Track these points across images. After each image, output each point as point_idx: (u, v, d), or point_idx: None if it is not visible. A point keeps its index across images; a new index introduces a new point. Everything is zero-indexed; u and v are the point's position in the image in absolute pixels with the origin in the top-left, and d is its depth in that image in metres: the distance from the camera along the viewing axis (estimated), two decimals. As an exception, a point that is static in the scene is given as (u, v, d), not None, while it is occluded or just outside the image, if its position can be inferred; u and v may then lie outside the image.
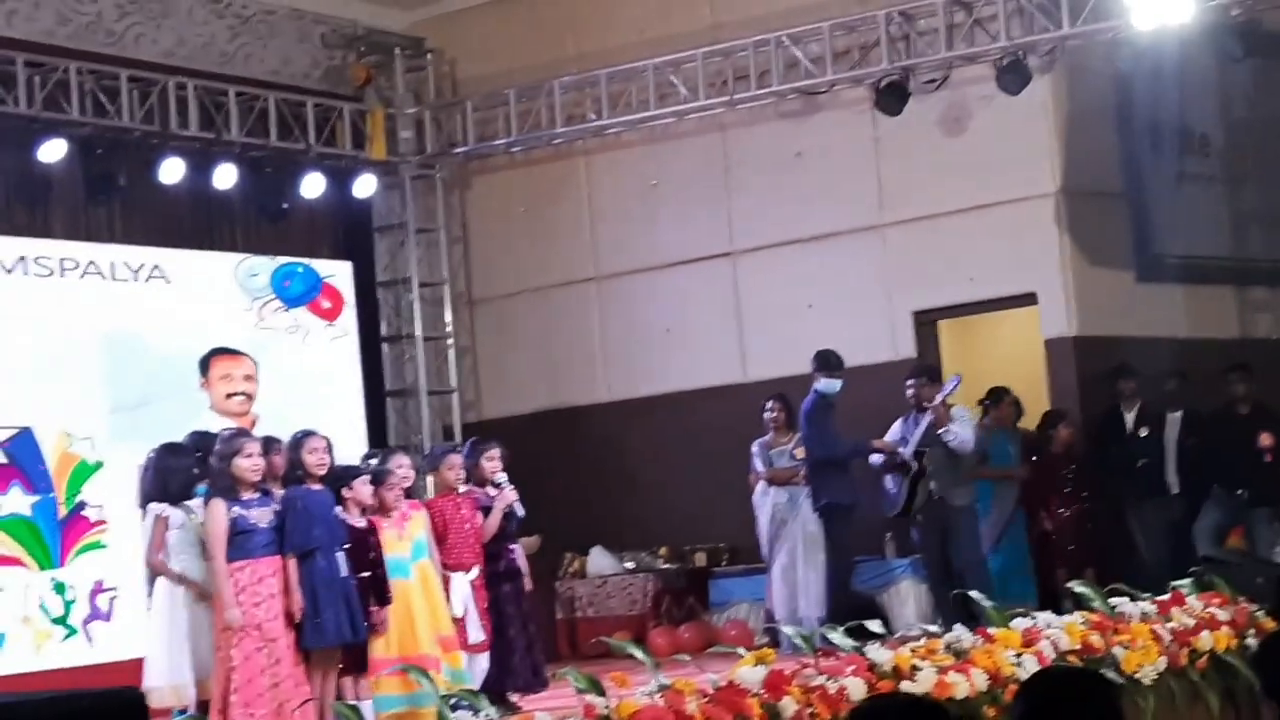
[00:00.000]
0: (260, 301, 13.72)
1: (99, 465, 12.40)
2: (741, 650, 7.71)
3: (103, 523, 12.34)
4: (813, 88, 13.74)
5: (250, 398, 13.31)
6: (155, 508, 8.84)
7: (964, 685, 7.55)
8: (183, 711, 8.47)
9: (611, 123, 14.43)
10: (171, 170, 13.15)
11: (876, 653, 7.66)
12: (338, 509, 8.99)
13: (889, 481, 12.10)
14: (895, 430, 12.15)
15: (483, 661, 9.54)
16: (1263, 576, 10.31)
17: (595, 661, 10.98)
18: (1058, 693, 3.35)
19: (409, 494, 9.69)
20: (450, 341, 15.56)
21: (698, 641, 12.88)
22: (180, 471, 9.04)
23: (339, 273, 14.39)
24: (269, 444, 9.04)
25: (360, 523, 9.08)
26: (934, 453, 11.88)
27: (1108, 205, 13.50)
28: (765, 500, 12.41)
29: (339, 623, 8.68)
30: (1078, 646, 8.37)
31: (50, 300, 12.40)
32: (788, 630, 8.98)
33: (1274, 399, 12.76)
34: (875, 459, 12.12)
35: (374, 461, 9.69)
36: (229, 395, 13.22)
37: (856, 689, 7.18)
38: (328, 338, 14.14)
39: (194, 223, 13.79)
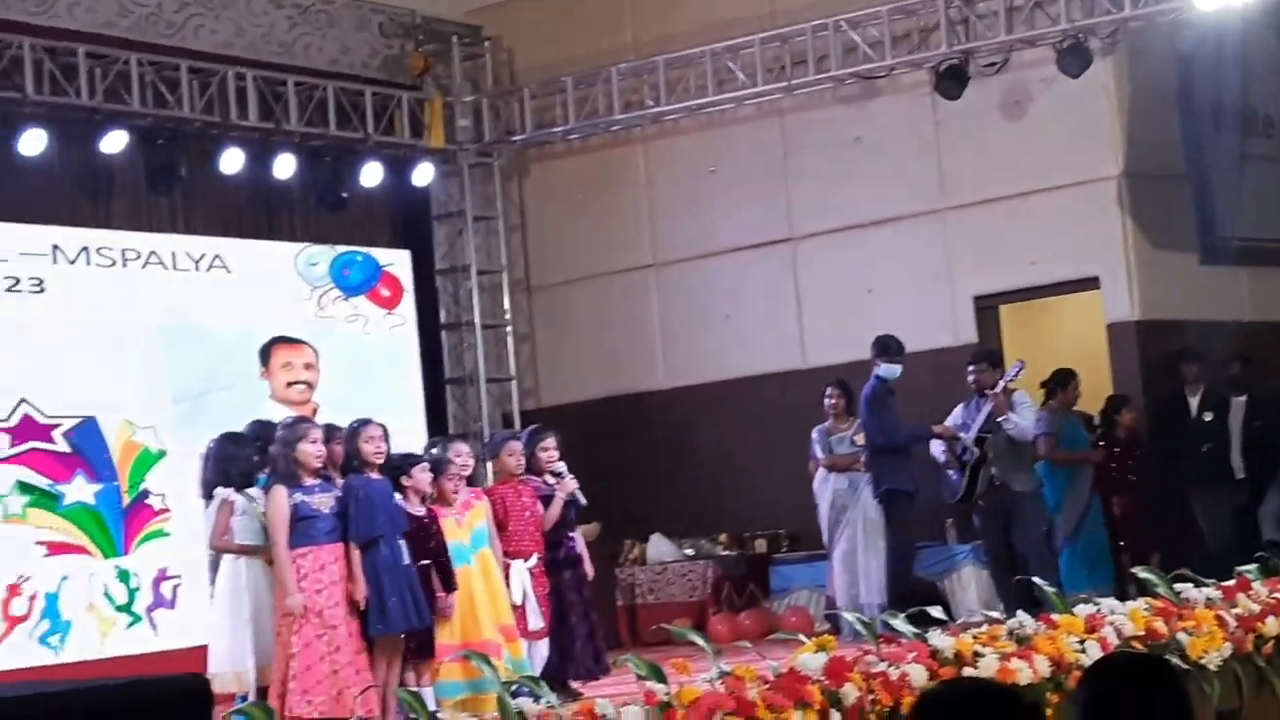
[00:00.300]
0: (320, 290, 13.77)
1: (162, 454, 12.48)
2: (802, 637, 7.69)
3: (166, 511, 12.42)
4: (872, 72, 13.68)
5: (311, 386, 13.36)
6: (221, 492, 8.88)
7: (1027, 672, 7.48)
8: (244, 697, 8.50)
9: (669, 109, 14.41)
10: (231, 160, 13.22)
11: (938, 639, 7.61)
12: (398, 497, 9.01)
13: (950, 467, 12.04)
14: (956, 415, 12.09)
15: (542, 649, 9.55)
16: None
17: (655, 648, 10.98)
18: (1123, 678, 3.31)
19: (470, 482, 9.70)
20: (509, 329, 15.58)
21: (758, 628, 12.86)
22: (241, 460, 9.08)
23: (398, 261, 14.43)
24: (329, 432, 9.07)
25: (420, 511, 9.10)
26: (995, 438, 11.82)
27: (1170, 188, 13.37)
28: (825, 487, 12.36)
29: (403, 610, 8.71)
30: (1142, 633, 8.29)
31: (112, 290, 12.49)
32: (849, 617, 8.93)
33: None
34: (936, 445, 12.07)
35: (435, 450, 9.70)
36: (289, 384, 13.28)
37: (918, 676, 7.14)
38: (387, 326, 14.18)
39: (254, 212, 13.86)
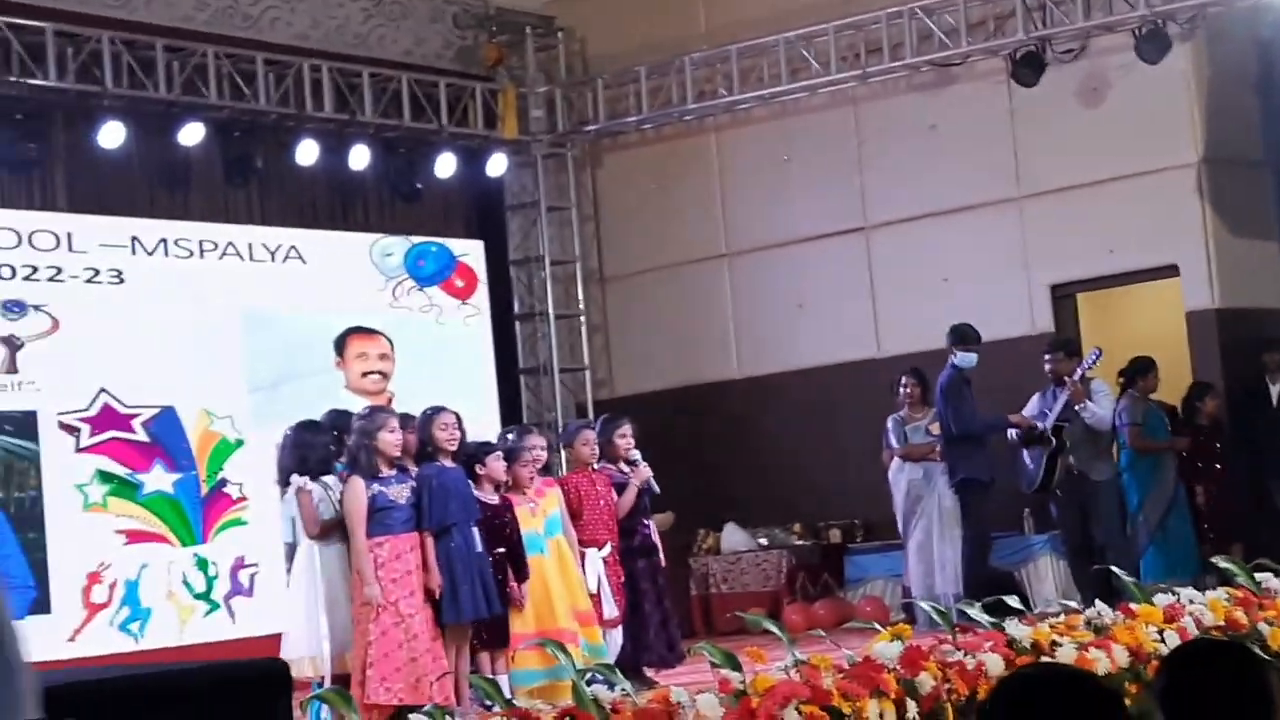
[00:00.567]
0: (394, 281, 13.83)
1: (239, 443, 12.58)
2: (877, 626, 7.66)
3: (243, 500, 12.52)
4: (947, 59, 13.60)
5: (385, 376, 13.43)
6: (297, 480, 8.92)
7: (1105, 662, 7.44)
8: (320, 683, 8.56)
9: (743, 98, 14.39)
10: (307, 152, 13.30)
11: (1015, 628, 7.57)
12: (472, 485, 9.04)
13: (1027, 456, 11.97)
14: (1033, 405, 12.02)
15: (617, 636, 9.56)
16: None
17: (730, 638, 10.97)
18: (1202, 666, 3.28)
19: (545, 471, 9.73)
20: (582, 319, 15.60)
21: (833, 618, 12.83)
22: (317, 448, 9.11)
23: (472, 251, 14.47)
24: (403, 421, 9.11)
25: (494, 499, 9.12)
26: (1073, 427, 11.74)
27: (1250, 174, 13.23)
28: (900, 476, 12.30)
29: (475, 598, 8.73)
30: (1221, 622, 8.22)
31: (190, 281, 12.59)
32: (924, 606, 8.90)
33: None
34: (1013, 434, 12.00)
35: (509, 438, 9.73)
36: (364, 374, 13.35)
37: (994, 665, 7.10)
38: (461, 316, 14.23)
39: (329, 203, 13.94)
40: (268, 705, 6.37)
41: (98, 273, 12.14)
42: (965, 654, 7.16)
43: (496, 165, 14.68)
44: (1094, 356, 11.86)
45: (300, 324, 13.14)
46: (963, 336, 11.99)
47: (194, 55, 12.66)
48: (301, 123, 13.36)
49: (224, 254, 12.83)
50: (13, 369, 11.66)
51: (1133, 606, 8.22)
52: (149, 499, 12.11)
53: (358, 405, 10.44)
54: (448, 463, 8.94)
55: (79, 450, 11.87)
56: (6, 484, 11.56)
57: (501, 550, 9.02)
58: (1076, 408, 11.71)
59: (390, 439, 8.70)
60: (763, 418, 14.59)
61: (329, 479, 9.00)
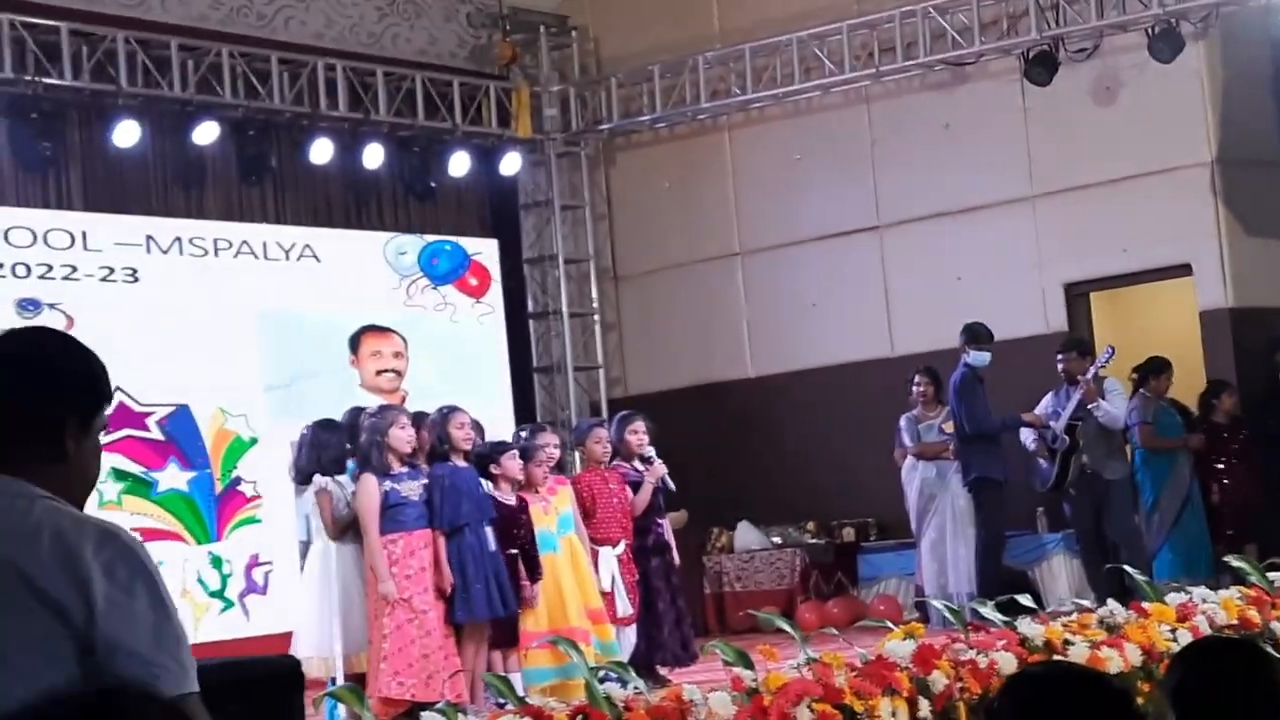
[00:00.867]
0: (408, 279, 13.86)
1: (254, 441, 12.60)
2: (890, 625, 7.67)
3: (258, 498, 12.55)
4: (960, 59, 13.60)
5: (400, 374, 13.44)
6: (320, 481, 8.93)
7: (1117, 660, 7.44)
8: (332, 682, 8.58)
9: (756, 97, 14.39)
10: (321, 150, 13.33)
11: (1028, 627, 7.58)
12: (488, 485, 9.06)
13: (1040, 456, 11.96)
14: (1046, 404, 12.01)
15: (631, 635, 9.57)
16: None
17: (743, 636, 10.99)
18: (1214, 664, 3.28)
19: (557, 470, 9.75)
20: (596, 317, 15.61)
21: (846, 617, 12.84)
22: (333, 446, 9.14)
23: (486, 250, 14.49)
24: (417, 420, 9.13)
25: (510, 499, 9.14)
26: (1086, 426, 11.73)
27: (1264, 174, 13.21)
28: (914, 475, 12.30)
29: (488, 597, 8.76)
30: (1234, 621, 8.22)
31: (205, 280, 12.61)
32: (937, 604, 8.90)
33: None
34: (1026, 433, 11.99)
35: (523, 436, 9.75)
36: (379, 372, 13.36)
37: (1007, 664, 7.11)
38: (475, 315, 14.25)
39: (343, 202, 13.97)
40: (281, 702, 6.40)
41: (112, 271, 12.17)
42: (978, 653, 7.17)
43: (510, 164, 14.70)
44: (1107, 355, 11.85)
45: (315, 322, 13.17)
46: (976, 335, 11.99)
47: (209, 54, 12.69)
48: (316, 121, 13.39)
49: (238, 253, 12.86)
50: (28, 367, 11.67)
51: (1145, 605, 8.22)
52: (163, 497, 12.15)
53: (373, 404, 10.46)
54: (461, 462, 8.96)
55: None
56: (23, 482, 11.59)
57: (515, 550, 9.04)
58: (1090, 407, 11.71)
59: (401, 436, 8.72)
60: (776, 416, 14.59)
61: (343, 478, 9.03)
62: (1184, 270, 13.15)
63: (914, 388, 12.40)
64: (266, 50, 13.14)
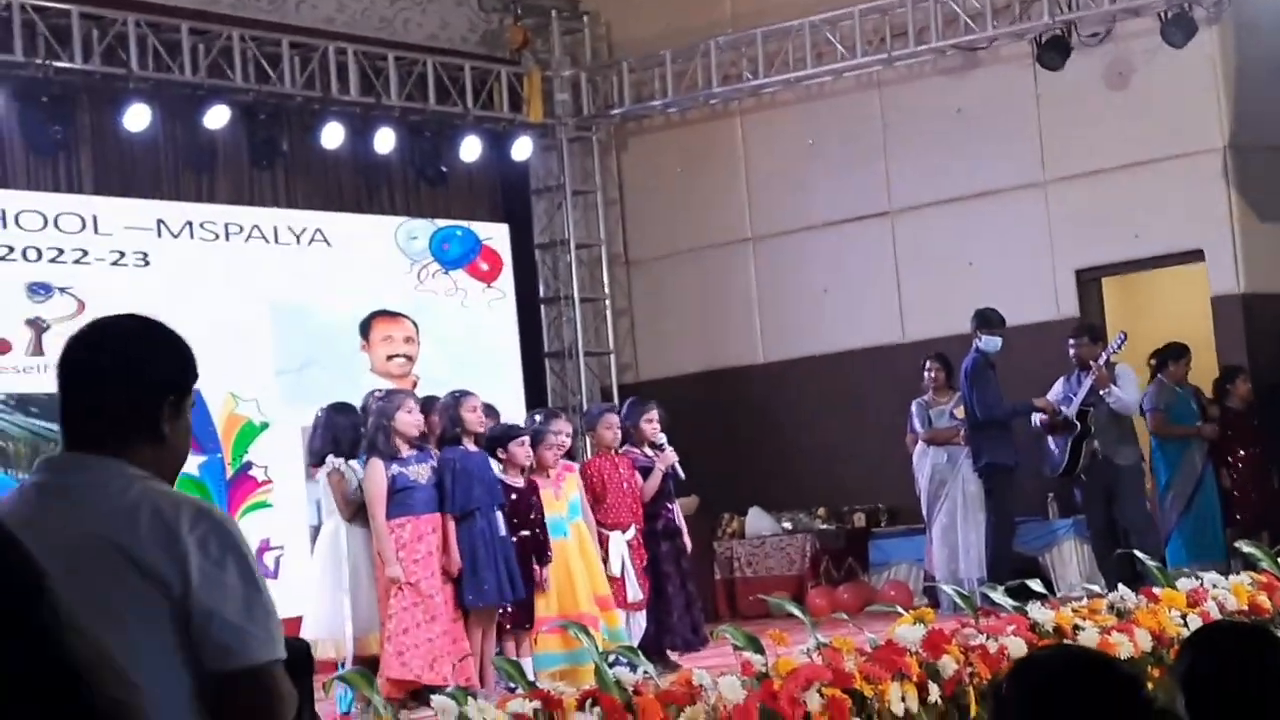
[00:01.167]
0: (419, 264, 13.85)
1: (264, 426, 12.61)
2: (900, 609, 7.66)
3: (269, 483, 12.55)
4: (972, 43, 13.56)
5: (410, 360, 13.44)
6: (333, 461, 8.93)
7: (1127, 646, 7.44)
8: (342, 664, 8.59)
9: (768, 82, 14.36)
10: (332, 135, 13.32)
11: (1038, 612, 7.57)
12: (497, 469, 9.06)
13: (1051, 441, 11.95)
14: (1058, 389, 11.99)
15: (641, 620, 9.57)
16: None
17: (753, 622, 10.98)
18: (1224, 648, 3.27)
19: (569, 456, 9.74)
20: (607, 303, 15.60)
21: (856, 602, 12.82)
22: (349, 429, 9.14)
23: (497, 235, 14.48)
24: (427, 404, 9.13)
25: (520, 483, 9.14)
26: (1098, 412, 11.71)
27: (1277, 159, 13.16)
28: (925, 460, 12.28)
29: (498, 582, 8.76)
30: (1245, 607, 8.22)
31: (216, 264, 12.61)
32: (947, 590, 8.90)
33: None
34: (1037, 419, 11.97)
35: (536, 420, 9.75)
36: (389, 357, 13.37)
37: (1017, 649, 7.10)
38: (486, 300, 14.24)
39: (354, 187, 13.96)
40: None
41: (123, 255, 12.18)
42: (988, 637, 7.16)
43: (521, 149, 14.68)
44: (1118, 342, 11.83)
45: (325, 307, 13.17)
46: (987, 321, 11.97)
47: (219, 38, 12.68)
48: (327, 106, 13.38)
49: (249, 237, 12.86)
50: (38, 351, 11.69)
51: (1156, 591, 8.21)
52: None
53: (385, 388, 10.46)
54: (471, 446, 8.96)
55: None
56: (33, 466, 11.60)
57: (526, 534, 9.04)
58: (1101, 392, 11.69)
59: (408, 419, 8.72)
60: (787, 402, 14.58)
61: (354, 462, 9.04)
62: (1196, 256, 13.12)
63: (925, 373, 12.38)
64: (277, 34, 13.13)
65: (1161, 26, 12.53)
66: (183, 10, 12.72)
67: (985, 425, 11.85)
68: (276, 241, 13.00)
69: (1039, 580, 8.58)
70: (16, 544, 1.97)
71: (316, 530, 9.21)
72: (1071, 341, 12.03)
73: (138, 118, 12.25)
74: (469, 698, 6.31)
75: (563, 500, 9.33)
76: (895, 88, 14.26)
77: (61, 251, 11.88)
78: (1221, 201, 12.90)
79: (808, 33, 13.98)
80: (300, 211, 13.29)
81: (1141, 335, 12.63)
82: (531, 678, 7.35)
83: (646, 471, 9.86)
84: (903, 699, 6.63)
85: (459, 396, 9.08)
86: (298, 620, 9.23)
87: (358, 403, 9.48)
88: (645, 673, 6.60)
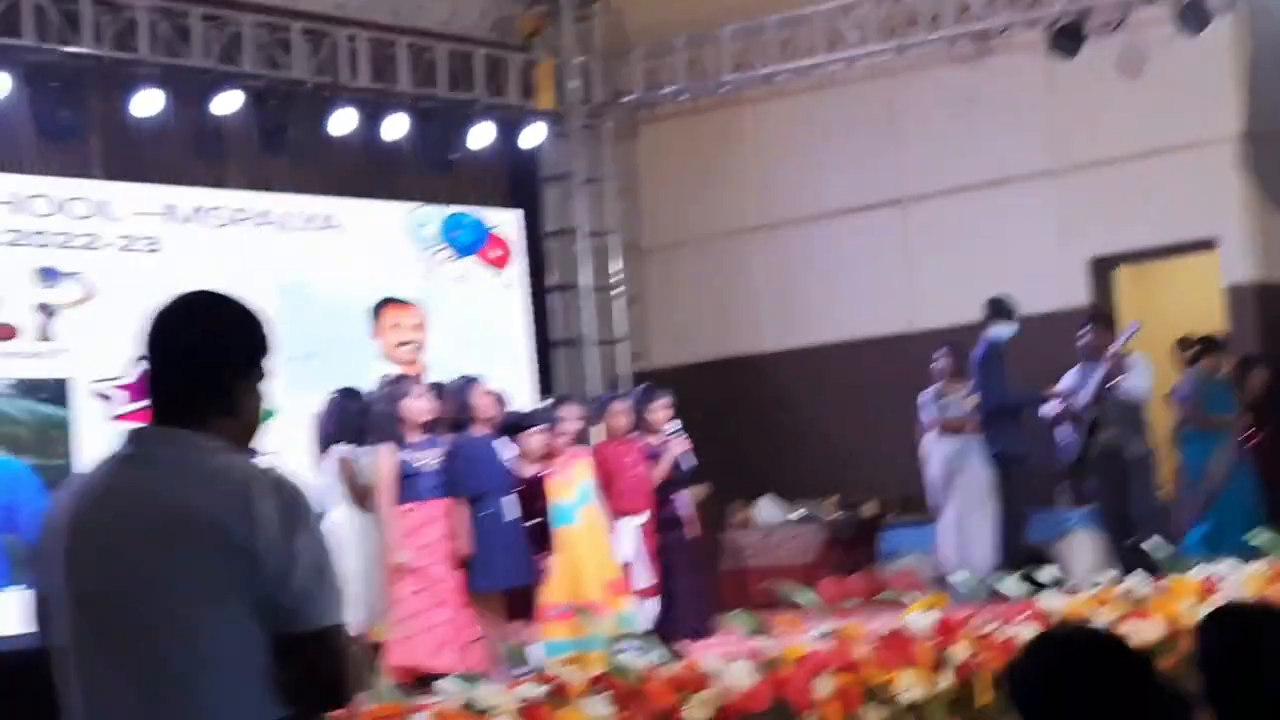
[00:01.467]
0: (430, 251, 13.81)
1: (272, 413, 12.54)
2: (910, 597, 7.63)
3: (277, 469, 12.51)
4: (985, 31, 13.49)
5: (420, 347, 13.37)
6: (340, 450, 8.90)
7: (1139, 634, 7.39)
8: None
9: (780, 70, 14.30)
10: (342, 121, 13.28)
11: (1050, 600, 7.53)
12: (509, 458, 9.04)
13: (1062, 432, 11.89)
14: (1069, 379, 11.94)
15: (651, 606, 9.55)
16: None
17: (763, 611, 10.92)
18: (1242, 628, 3.24)
19: (577, 443, 9.72)
20: (618, 291, 15.56)
21: (866, 592, 12.77)
22: (358, 416, 9.12)
23: (507, 222, 14.44)
24: (437, 392, 9.11)
25: (529, 472, 9.12)
26: (1109, 402, 11.66)
27: (1291, 148, 13.12)
28: (935, 450, 12.24)
29: (506, 567, 8.74)
30: (1258, 596, 8.16)
31: (225, 250, 12.57)
32: (958, 579, 8.86)
33: None
34: (1048, 408, 11.92)
35: (546, 407, 9.74)
36: (399, 344, 13.25)
37: (1028, 637, 7.06)
38: (496, 287, 14.20)
39: (364, 173, 13.90)
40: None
41: (132, 241, 12.14)
42: (998, 626, 7.12)
43: (533, 136, 14.64)
44: (1131, 331, 11.77)
45: (335, 293, 13.12)
46: (999, 309, 11.93)
47: (230, 24, 12.64)
48: (337, 92, 13.33)
49: (259, 223, 12.83)
50: (47, 337, 11.69)
51: (1168, 580, 8.17)
52: (183, 467, 12.12)
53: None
54: (481, 432, 8.93)
55: (112, 418, 11.89)
56: (40, 451, 11.58)
57: (535, 521, 9.02)
58: (1113, 382, 11.62)
59: (413, 405, 8.70)
60: (798, 391, 14.54)
61: (361, 448, 9.02)
62: (1209, 245, 13.06)
63: (936, 363, 12.33)
64: (288, 20, 13.09)
65: (1176, 14, 12.46)
66: (194, -4, 12.69)
67: (996, 414, 11.81)
68: (286, 227, 12.97)
69: (1050, 569, 8.52)
70: None
71: (322, 514, 9.18)
72: (1084, 330, 11.97)
73: (148, 103, 12.22)
74: (477, 682, 6.28)
75: (572, 487, 9.31)
76: (907, 76, 14.21)
77: (70, 237, 11.85)
78: (1235, 190, 12.86)
79: (820, 21, 13.92)
80: (310, 197, 13.25)
81: (1155, 324, 12.57)
82: (540, 665, 7.32)
83: (657, 459, 9.84)
84: (913, 687, 6.60)
85: (468, 382, 9.07)
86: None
87: (367, 389, 9.45)
88: (655, 658, 6.57)
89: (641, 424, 10.01)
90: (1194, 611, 7.74)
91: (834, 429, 14.22)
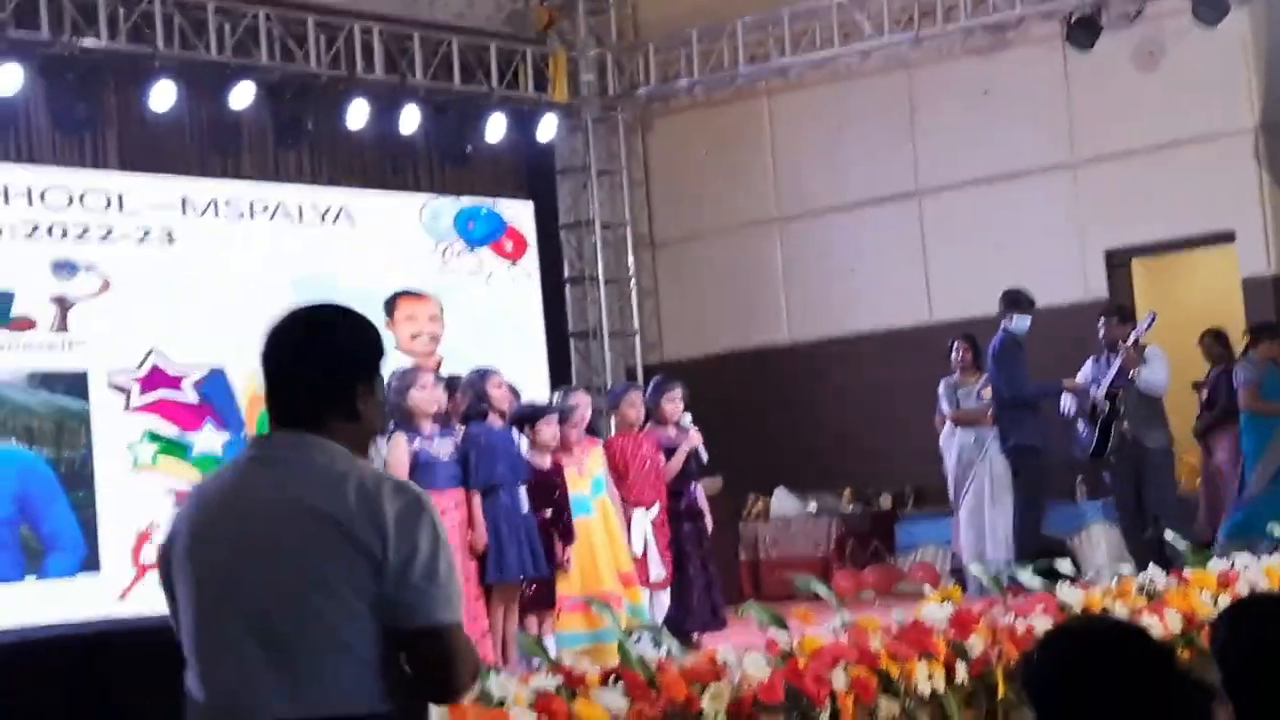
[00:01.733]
0: (444, 243, 13.81)
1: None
2: (927, 588, 7.61)
3: (292, 461, 12.51)
4: (1001, 23, 13.45)
5: (435, 339, 13.42)
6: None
7: (1158, 627, 7.36)
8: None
9: (795, 62, 14.27)
10: (357, 113, 13.28)
11: (1066, 593, 7.50)
12: (524, 449, 9.02)
13: (1080, 423, 11.85)
14: (1086, 370, 11.89)
15: (664, 598, 9.53)
16: None
17: (778, 603, 10.91)
18: (1262, 621, 3.22)
19: (589, 431, 9.71)
20: (632, 283, 15.55)
21: (882, 584, 12.77)
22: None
23: (521, 214, 14.44)
24: (451, 383, 9.10)
25: (545, 463, 9.10)
26: (1127, 394, 11.61)
27: (1309, 140, 13.06)
28: (952, 442, 12.19)
29: (520, 558, 8.72)
30: (1278, 588, 8.14)
31: (241, 242, 12.60)
32: (975, 570, 8.83)
33: None
34: (1065, 400, 11.88)
35: (557, 398, 9.72)
36: (413, 336, 13.34)
37: (1045, 629, 7.03)
38: (510, 279, 14.20)
39: (379, 165, 13.92)
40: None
41: (148, 233, 12.17)
42: (1016, 617, 7.09)
43: (547, 128, 14.63)
44: (1148, 322, 11.72)
45: (350, 285, 13.11)
46: (1016, 301, 11.87)
47: (245, 16, 12.64)
48: (352, 85, 13.33)
49: (274, 215, 12.85)
50: (63, 329, 11.70)
51: (1186, 573, 8.14)
52: (199, 460, 12.14)
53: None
54: (497, 423, 8.92)
55: (129, 410, 11.91)
56: (57, 443, 11.61)
57: (550, 511, 9.01)
58: (1130, 374, 11.58)
59: (422, 396, 8.68)
60: (813, 383, 14.52)
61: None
62: (1226, 237, 13.02)
63: (953, 354, 12.29)
64: (303, 13, 13.09)
65: (1193, 5, 12.41)
66: (209, -12, 12.69)
67: (1012, 406, 11.75)
68: (301, 220, 12.98)
69: (1067, 561, 8.49)
70: None
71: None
72: (1101, 322, 11.92)
73: (163, 96, 12.23)
74: (490, 673, 6.26)
75: (586, 477, 9.29)
76: (923, 68, 14.17)
77: (87, 229, 11.87)
78: (1253, 182, 12.80)
79: (835, 12, 13.89)
80: (325, 190, 13.27)
81: (1171, 317, 12.52)
82: (555, 656, 7.30)
83: (670, 451, 9.82)
84: (929, 678, 6.57)
85: (484, 373, 9.05)
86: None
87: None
88: (668, 650, 6.55)
89: (655, 416, 9.99)
90: (1212, 604, 7.72)
91: (849, 421, 14.20)
